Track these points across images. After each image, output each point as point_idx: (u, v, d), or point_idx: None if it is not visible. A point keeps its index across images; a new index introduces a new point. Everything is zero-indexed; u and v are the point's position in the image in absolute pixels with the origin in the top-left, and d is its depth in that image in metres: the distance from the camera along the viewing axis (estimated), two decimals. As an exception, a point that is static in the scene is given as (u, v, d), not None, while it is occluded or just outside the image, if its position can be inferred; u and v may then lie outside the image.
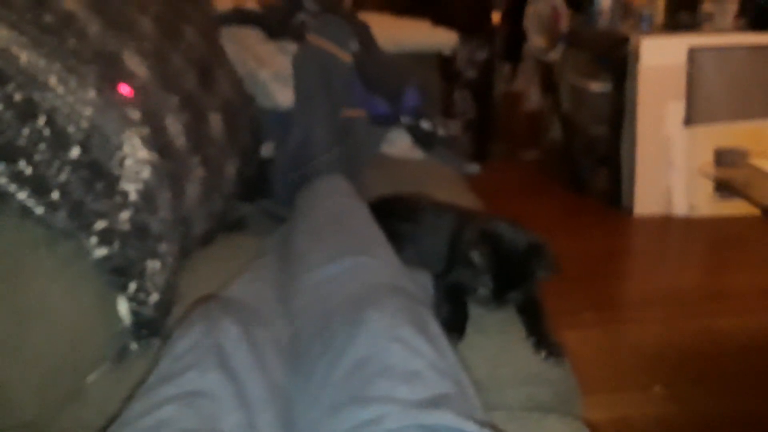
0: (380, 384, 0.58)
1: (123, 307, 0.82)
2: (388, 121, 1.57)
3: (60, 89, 0.76)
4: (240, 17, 1.60)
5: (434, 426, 0.54)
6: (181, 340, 0.65)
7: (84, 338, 0.78)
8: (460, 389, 0.61)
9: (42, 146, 0.72)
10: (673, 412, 1.55)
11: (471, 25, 3.08)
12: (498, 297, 0.92)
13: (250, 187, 1.30)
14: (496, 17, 3.34)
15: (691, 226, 2.64)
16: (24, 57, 0.73)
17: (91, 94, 0.80)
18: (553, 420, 0.75)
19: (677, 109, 2.61)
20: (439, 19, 2.22)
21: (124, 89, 0.88)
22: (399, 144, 1.59)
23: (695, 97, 2.58)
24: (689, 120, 2.60)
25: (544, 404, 0.83)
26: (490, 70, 3.28)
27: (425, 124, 1.59)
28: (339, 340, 0.66)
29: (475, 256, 0.90)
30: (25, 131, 0.70)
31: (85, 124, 0.77)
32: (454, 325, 0.88)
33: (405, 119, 1.59)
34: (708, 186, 2.58)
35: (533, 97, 3.69)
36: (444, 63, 2.69)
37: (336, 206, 1.04)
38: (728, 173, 2.06)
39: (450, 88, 3.09)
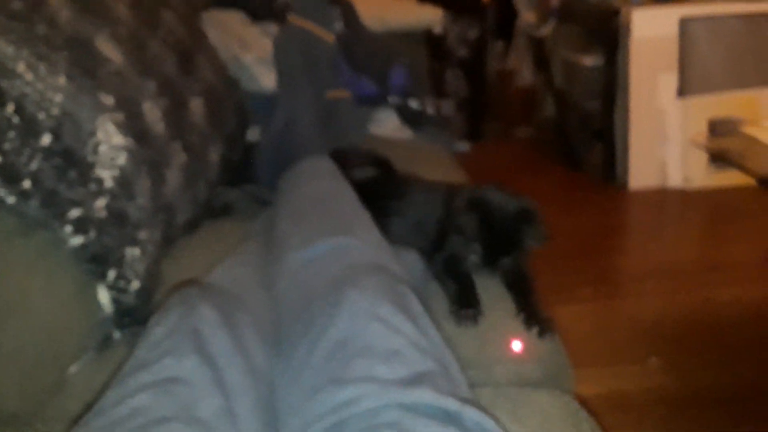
0: (359, 364, 0.58)
1: (104, 295, 0.81)
2: (376, 101, 1.55)
3: (29, 76, 0.74)
4: (222, 0, 1.57)
5: (414, 404, 0.53)
6: (157, 327, 0.64)
7: (65, 328, 0.77)
8: (443, 367, 0.60)
9: (11, 134, 0.71)
10: (669, 384, 1.55)
11: (462, 3, 3.04)
12: (488, 263, 0.90)
13: (236, 172, 1.29)
14: (486, -6, 3.30)
15: (686, 198, 2.62)
16: (-9, 44, 0.71)
17: (62, 80, 0.78)
18: (542, 395, 0.74)
19: (670, 80, 2.59)
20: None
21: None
22: (387, 124, 1.57)
23: (688, 67, 2.56)
24: (682, 91, 2.58)
25: (534, 381, 0.83)
26: (482, 48, 3.24)
27: (413, 104, 1.57)
28: (319, 321, 0.65)
29: (464, 222, 0.89)
30: (-7, 119, 0.69)
31: (56, 111, 0.76)
32: (467, 300, 0.86)
33: (393, 99, 1.57)
34: (702, 157, 2.56)
35: (526, 74, 3.66)
36: (435, 42, 2.67)
37: (319, 187, 1.02)
38: (722, 143, 2.04)
39: (442, 68, 3.06)
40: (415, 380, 0.55)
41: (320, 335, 0.63)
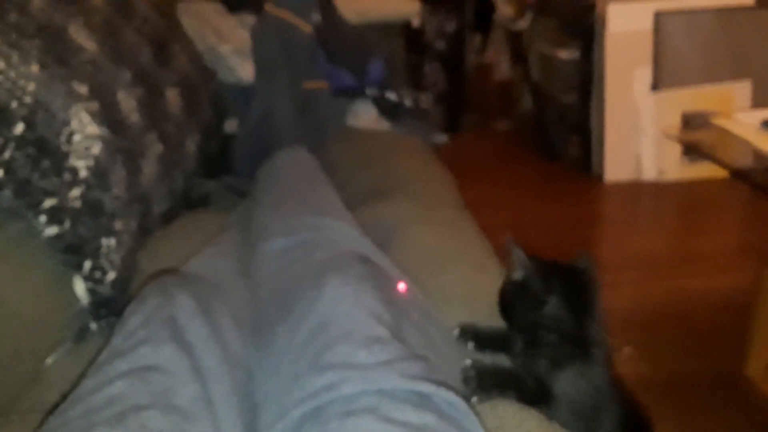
0: (339, 350, 0.58)
1: (80, 286, 0.80)
2: (353, 92, 1.55)
3: (0, 64, 0.73)
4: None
5: (393, 389, 0.54)
6: (133, 315, 0.64)
7: (40, 320, 0.77)
8: (420, 354, 0.61)
9: (-18, 123, 0.69)
10: (643, 372, 1.58)
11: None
12: None
13: (213, 163, 1.28)
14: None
15: (660, 190, 2.66)
16: (-41, 32, 0.70)
17: (35, 68, 0.77)
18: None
19: (645, 74, 2.62)
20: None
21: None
22: (365, 116, 1.57)
23: (662, 61, 2.59)
24: (657, 85, 2.61)
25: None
26: (460, 41, 3.25)
27: (391, 95, 1.57)
28: (300, 307, 0.65)
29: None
30: (-36, 108, 0.68)
31: (28, 100, 0.75)
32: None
33: (370, 91, 1.57)
34: (676, 150, 2.60)
35: (504, 68, 3.68)
36: (413, 35, 2.67)
37: (297, 178, 1.02)
38: (695, 136, 2.07)
39: (420, 61, 3.06)
40: (395, 366, 0.56)
41: (301, 320, 0.63)
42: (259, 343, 0.67)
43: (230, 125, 1.39)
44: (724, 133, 1.52)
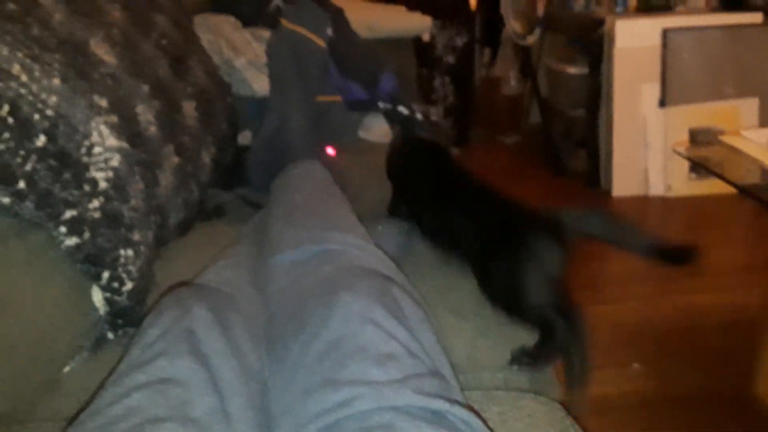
0: (353, 366, 0.59)
1: (97, 296, 0.81)
2: (365, 106, 1.56)
3: (24, 77, 0.75)
4: (214, 5, 1.58)
5: (406, 407, 0.54)
6: (151, 327, 0.65)
7: (58, 329, 0.77)
8: (435, 370, 0.61)
9: (6, 135, 0.71)
10: (651, 389, 1.58)
11: (449, 11, 3.07)
12: None
13: (227, 175, 1.29)
14: (473, 2, 3.33)
15: (668, 205, 2.67)
16: (-15, 46, 0.72)
17: (57, 82, 0.79)
18: (529, 400, 0.76)
19: (652, 90, 2.63)
20: (418, 4, 2.21)
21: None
22: (376, 129, 1.58)
23: (670, 78, 2.61)
24: (664, 101, 2.62)
25: (521, 387, 0.84)
26: (469, 55, 3.27)
27: (402, 109, 1.58)
28: (312, 322, 0.66)
29: None
30: (-11, 121, 0.70)
31: (50, 113, 0.76)
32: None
33: (382, 104, 1.58)
34: (684, 166, 2.61)
35: (512, 82, 3.70)
36: (423, 49, 2.69)
37: (311, 191, 1.03)
38: (703, 152, 2.08)
39: (430, 74, 3.08)
40: (409, 384, 0.56)
41: (314, 336, 0.64)
42: (273, 356, 0.68)
43: (244, 137, 1.40)
44: (732, 150, 1.54)
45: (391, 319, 0.64)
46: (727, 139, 1.56)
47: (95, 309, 0.81)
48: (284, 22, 1.40)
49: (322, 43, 1.40)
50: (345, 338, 0.62)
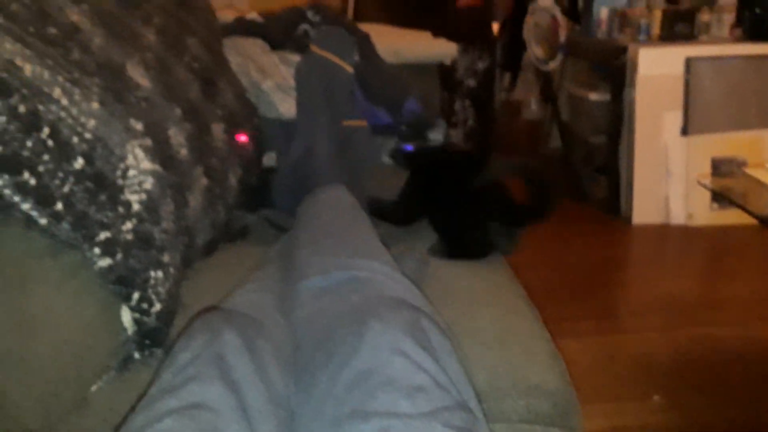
0: (382, 398, 0.59)
1: (126, 316, 0.82)
2: (389, 130, 1.57)
3: (64, 101, 0.77)
4: (243, 28, 1.61)
5: None
6: (182, 352, 0.66)
7: (88, 348, 0.79)
8: (463, 403, 0.61)
9: (46, 157, 0.72)
10: (672, 422, 1.56)
11: (471, 36, 3.09)
12: None
13: (253, 196, 1.31)
14: (495, 27, 3.36)
15: (689, 234, 2.65)
16: (28, 69, 0.74)
17: (95, 105, 0.81)
18: (554, 433, 0.76)
19: (675, 118, 2.63)
20: (440, 29, 2.23)
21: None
22: (399, 154, 1.59)
23: (692, 106, 2.60)
24: (687, 129, 2.62)
25: (543, 415, 0.84)
26: (490, 79, 3.29)
27: (425, 134, 1.60)
28: (341, 351, 0.66)
29: None
30: (29, 143, 0.71)
31: (88, 136, 0.78)
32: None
33: (404, 128, 1.59)
34: (705, 195, 2.59)
35: (533, 107, 3.71)
36: (445, 73, 2.70)
37: (336, 216, 1.04)
38: (725, 183, 2.07)
39: (451, 98, 3.10)
40: (438, 416, 0.56)
41: (342, 366, 0.64)
42: (300, 384, 0.69)
43: (269, 158, 1.42)
44: (754, 181, 1.53)
45: (419, 351, 0.64)
46: (751, 171, 1.55)
47: (124, 329, 0.82)
48: (313, 48, 1.42)
49: (349, 69, 1.42)
50: (374, 369, 0.62)
